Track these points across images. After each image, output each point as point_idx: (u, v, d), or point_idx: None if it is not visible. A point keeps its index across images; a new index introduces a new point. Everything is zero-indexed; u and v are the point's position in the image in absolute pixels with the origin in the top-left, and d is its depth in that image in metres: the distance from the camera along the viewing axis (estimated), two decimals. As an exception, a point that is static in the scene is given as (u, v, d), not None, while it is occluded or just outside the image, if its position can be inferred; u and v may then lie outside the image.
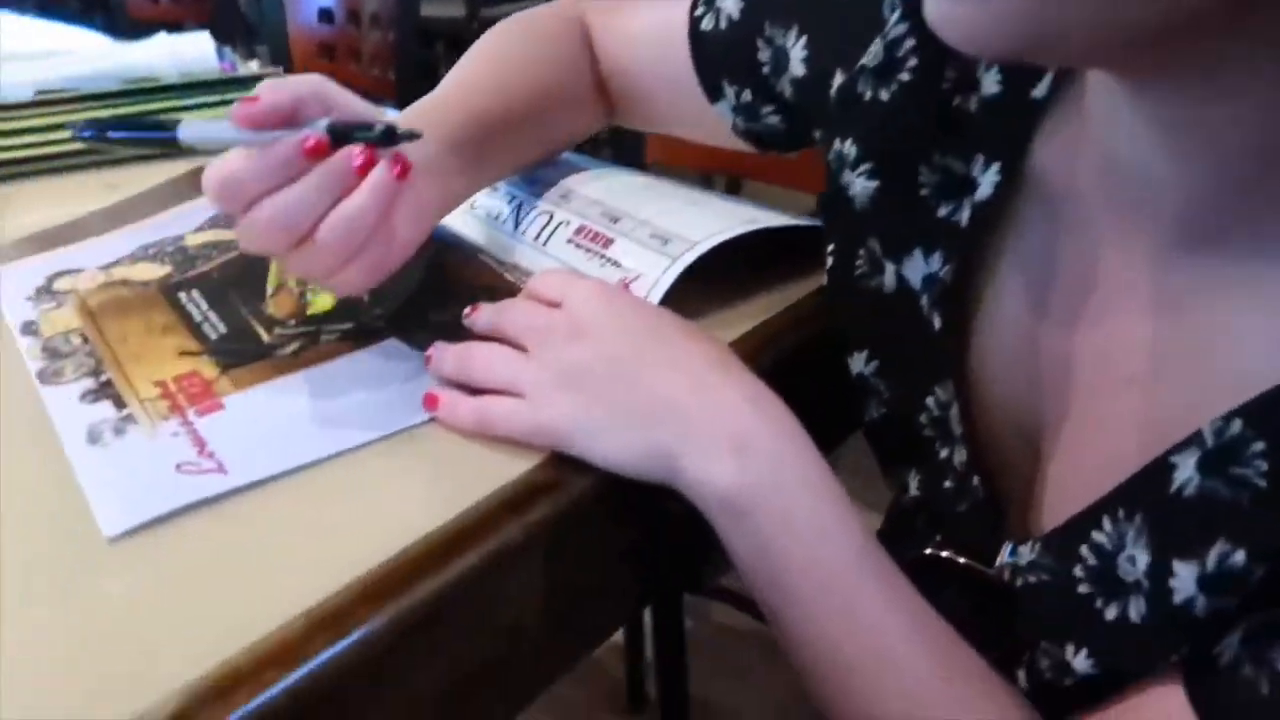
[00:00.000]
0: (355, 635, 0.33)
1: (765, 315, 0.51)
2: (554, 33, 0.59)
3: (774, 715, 1.21)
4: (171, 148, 0.45)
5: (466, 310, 0.48)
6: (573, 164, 0.63)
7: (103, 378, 0.47)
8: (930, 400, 0.45)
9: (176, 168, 0.70)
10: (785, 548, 0.39)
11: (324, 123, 0.42)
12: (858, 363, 0.49)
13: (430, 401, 0.44)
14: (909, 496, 0.49)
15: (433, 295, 0.52)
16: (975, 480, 0.43)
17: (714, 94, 0.55)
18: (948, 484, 0.45)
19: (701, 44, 0.54)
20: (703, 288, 0.50)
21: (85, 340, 0.50)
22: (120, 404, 0.45)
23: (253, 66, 0.92)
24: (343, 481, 0.40)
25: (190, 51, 0.84)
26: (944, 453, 0.45)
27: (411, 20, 1.48)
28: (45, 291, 0.55)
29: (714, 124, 0.56)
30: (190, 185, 0.67)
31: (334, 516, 0.38)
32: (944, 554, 0.44)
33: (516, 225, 0.59)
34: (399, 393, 0.45)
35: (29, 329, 0.51)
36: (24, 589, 0.35)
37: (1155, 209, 0.37)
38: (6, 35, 0.93)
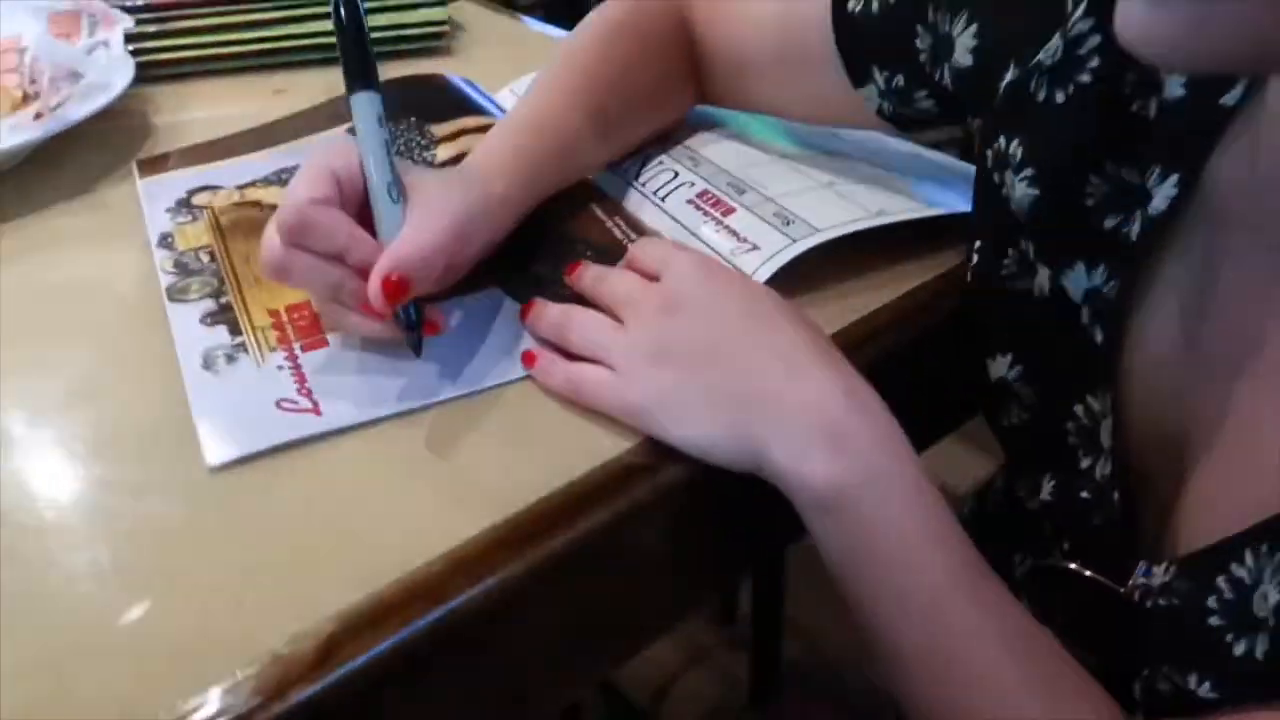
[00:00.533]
0: (490, 581, 0.34)
1: (875, 305, 0.48)
2: (655, 30, 0.57)
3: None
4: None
5: (567, 269, 0.47)
6: (708, 118, 0.61)
7: (223, 300, 0.48)
8: (1080, 409, 0.43)
9: (339, 83, 0.72)
10: (874, 549, 0.37)
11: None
12: (999, 367, 0.47)
13: (528, 359, 0.44)
14: (1038, 500, 0.47)
15: (539, 245, 0.52)
16: (1115, 495, 0.41)
17: (860, 79, 0.51)
18: (1085, 494, 0.43)
19: (849, 26, 0.51)
20: (814, 270, 0.48)
21: (212, 258, 0.52)
22: (235, 329, 0.46)
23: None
24: (441, 439, 0.41)
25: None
26: (1086, 463, 0.43)
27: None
28: (185, 205, 0.57)
29: (844, 103, 0.53)
30: (333, 114, 0.68)
31: (467, 461, 0.40)
32: (1071, 565, 0.43)
33: (639, 175, 0.57)
34: (496, 346, 0.45)
35: (165, 241, 0.53)
36: (192, 504, 0.38)
37: None
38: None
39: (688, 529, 0.42)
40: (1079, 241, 0.42)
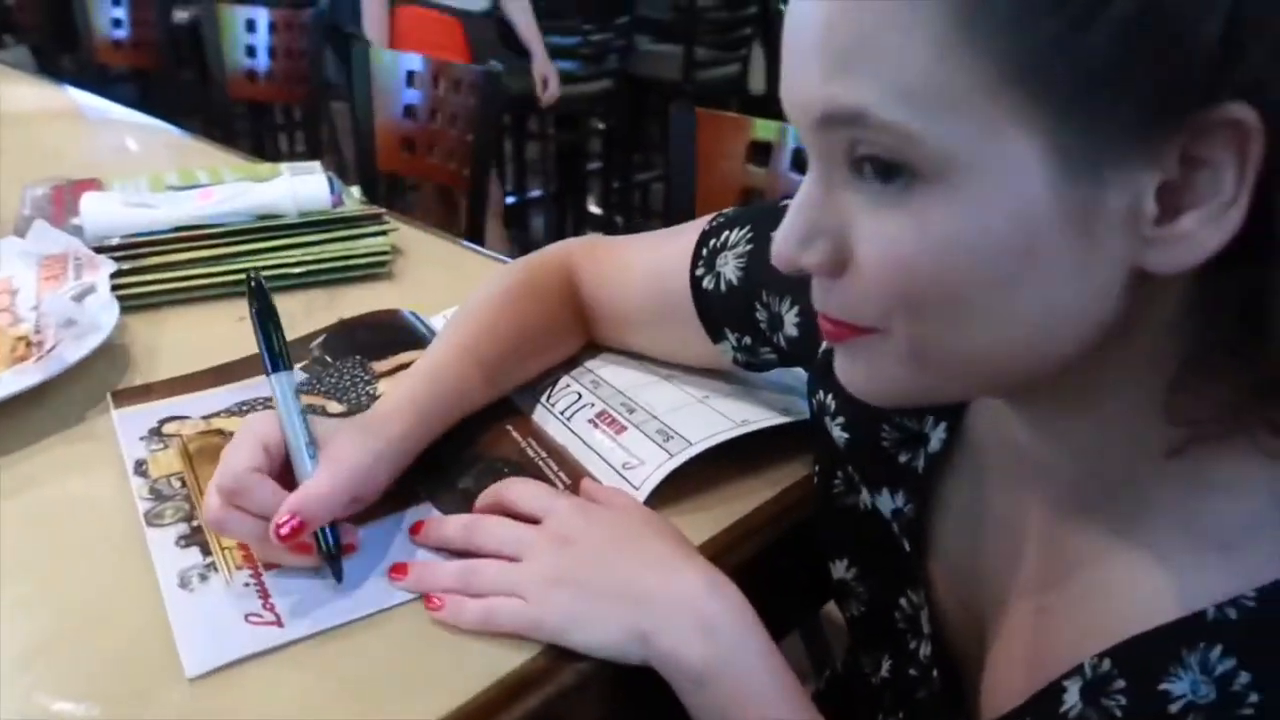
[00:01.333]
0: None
1: (742, 513, 0.59)
2: (547, 292, 0.69)
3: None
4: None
5: (412, 528, 0.57)
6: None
7: (194, 523, 0.57)
8: (904, 601, 0.53)
9: (295, 312, 0.82)
10: (741, 710, 0.47)
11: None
12: (839, 569, 0.57)
13: (432, 602, 0.52)
14: (880, 676, 0.56)
15: (464, 464, 0.62)
16: (935, 674, 0.51)
17: (716, 336, 0.65)
18: (913, 672, 0.53)
19: (704, 299, 0.64)
20: (694, 476, 0.59)
21: (183, 484, 0.61)
22: (206, 550, 0.55)
23: (355, 194, 1.04)
24: (388, 643, 0.50)
25: (307, 189, 0.96)
26: (913, 645, 0.53)
27: (490, 121, 1.62)
28: (156, 433, 0.66)
29: (706, 353, 0.66)
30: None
31: (382, 671, 0.48)
32: None
33: (549, 397, 0.68)
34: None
35: (140, 468, 0.62)
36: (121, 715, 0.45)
37: (1050, 480, 0.45)
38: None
39: None
40: (883, 472, 0.53)
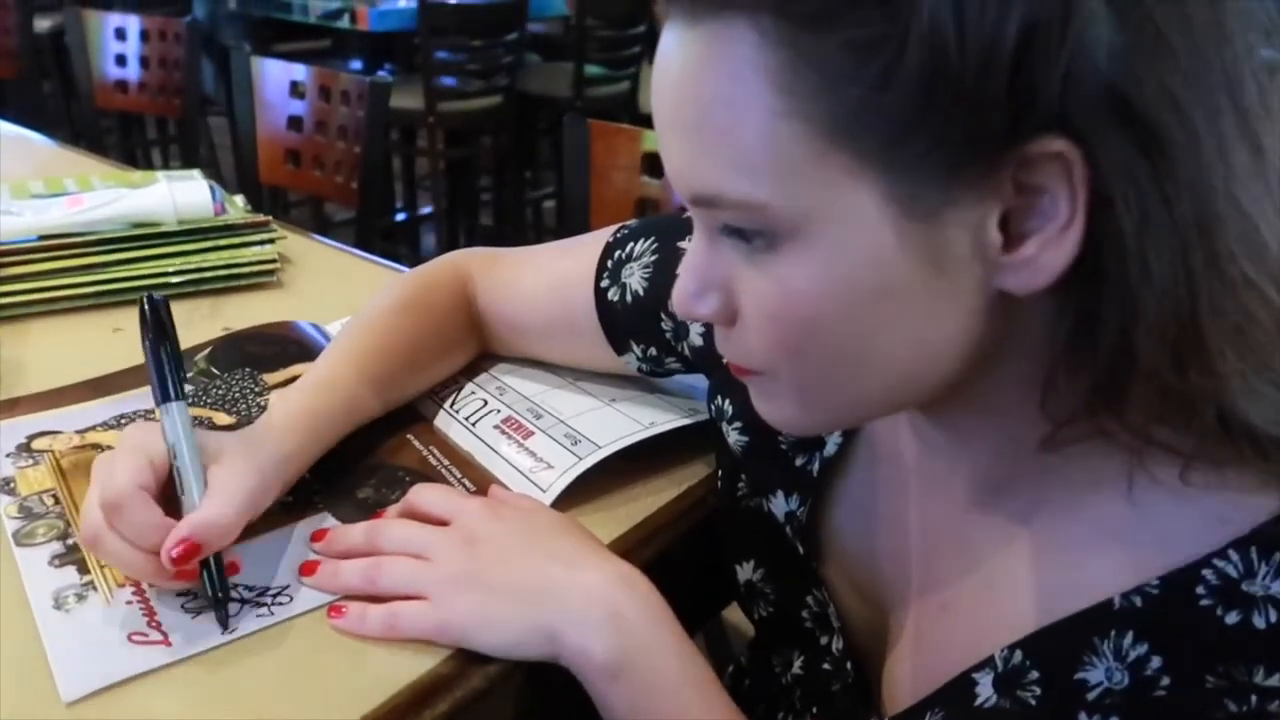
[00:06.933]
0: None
1: (654, 506, 0.59)
2: (440, 304, 0.68)
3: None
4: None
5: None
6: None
7: (69, 541, 0.54)
8: (810, 599, 0.54)
9: (176, 316, 0.78)
10: (655, 706, 0.46)
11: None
12: (745, 571, 0.57)
13: (335, 612, 0.49)
14: (791, 674, 0.57)
15: (363, 473, 0.60)
16: (849, 665, 0.52)
17: (621, 348, 0.64)
18: (826, 666, 0.54)
19: (609, 312, 0.63)
20: (603, 478, 0.59)
21: (56, 501, 0.57)
22: (84, 569, 0.51)
23: (238, 202, 1.00)
24: (283, 658, 0.47)
25: (188, 196, 0.92)
26: (824, 640, 0.54)
27: (378, 133, 1.58)
28: (25, 450, 0.62)
29: (609, 364, 0.66)
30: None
31: (278, 686, 0.45)
32: None
33: (454, 403, 0.67)
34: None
35: (7, 487, 0.58)
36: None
37: (950, 476, 0.46)
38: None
39: None
40: (779, 475, 0.54)
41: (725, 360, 0.43)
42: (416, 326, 0.66)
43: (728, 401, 0.57)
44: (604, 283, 0.63)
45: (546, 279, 0.67)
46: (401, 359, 0.65)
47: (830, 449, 0.52)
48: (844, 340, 0.38)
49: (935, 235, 0.35)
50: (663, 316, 0.61)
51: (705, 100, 0.36)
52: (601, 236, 0.65)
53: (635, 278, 0.62)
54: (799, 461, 0.53)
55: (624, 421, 0.63)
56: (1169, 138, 0.32)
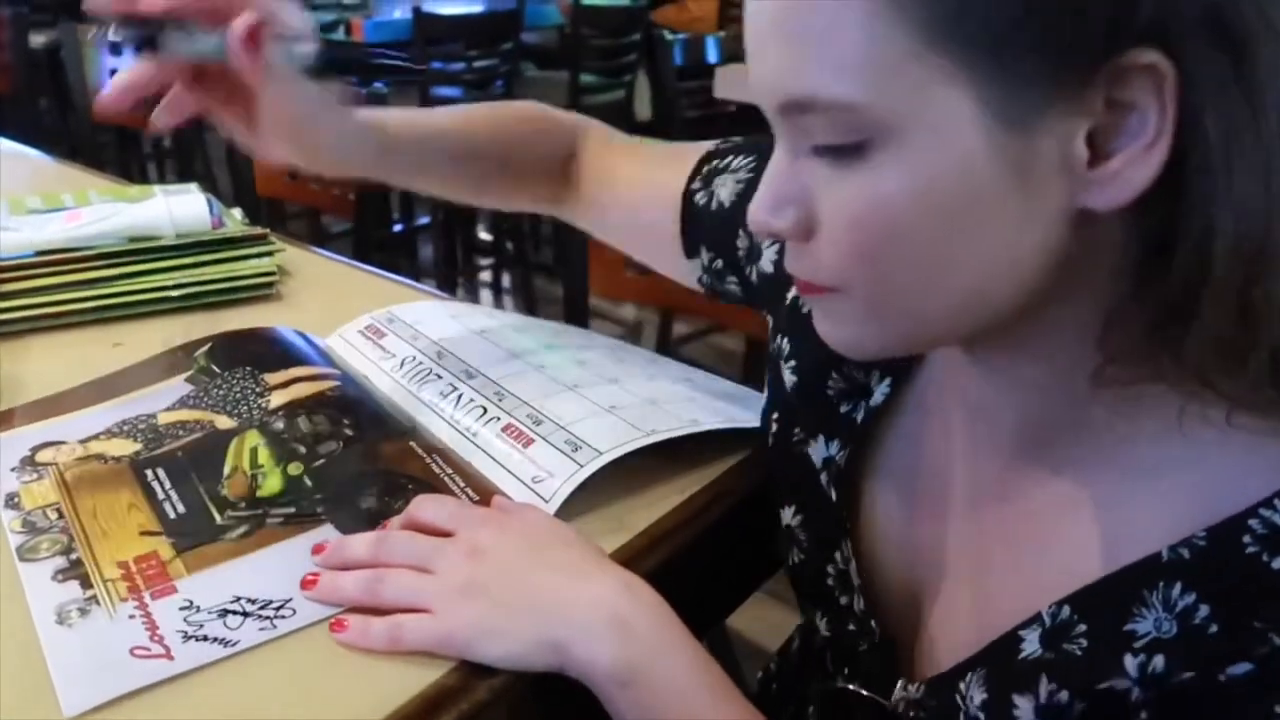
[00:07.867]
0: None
1: (658, 514, 0.59)
2: (551, 134, 0.73)
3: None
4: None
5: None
6: (512, 353, 0.72)
7: (73, 556, 0.53)
8: (837, 554, 0.55)
9: (175, 335, 0.79)
10: (668, 705, 0.46)
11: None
12: (786, 515, 0.58)
13: (338, 626, 0.49)
14: (820, 636, 0.57)
15: (366, 482, 0.60)
16: (873, 624, 0.52)
17: (691, 252, 0.66)
18: (851, 626, 0.54)
19: (692, 213, 0.66)
20: (603, 487, 0.58)
21: (60, 515, 0.57)
22: (87, 583, 0.51)
23: (236, 215, 1.01)
24: (286, 671, 0.47)
25: (185, 209, 0.92)
26: (845, 600, 0.54)
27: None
28: (29, 463, 0.62)
29: (674, 264, 0.68)
30: (171, 365, 0.74)
31: (281, 700, 0.45)
32: (850, 687, 0.53)
33: (453, 413, 0.67)
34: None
35: (11, 501, 0.58)
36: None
37: (994, 427, 0.47)
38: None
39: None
40: (823, 420, 0.55)
41: (795, 278, 0.43)
42: (526, 134, 0.71)
43: (786, 340, 0.58)
44: (695, 185, 0.65)
45: (644, 166, 0.70)
46: (499, 144, 0.69)
47: (877, 398, 0.52)
48: (922, 250, 0.38)
49: (1025, 145, 0.36)
50: (740, 233, 0.62)
51: (805, 8, 0.37)
52: (701, 147, 0.68)
53: (726, 189, 0.63)
54: (844, 409, 0.54)
55: (625, 428, 0.63)
56: (1259, 51, 0.33)
